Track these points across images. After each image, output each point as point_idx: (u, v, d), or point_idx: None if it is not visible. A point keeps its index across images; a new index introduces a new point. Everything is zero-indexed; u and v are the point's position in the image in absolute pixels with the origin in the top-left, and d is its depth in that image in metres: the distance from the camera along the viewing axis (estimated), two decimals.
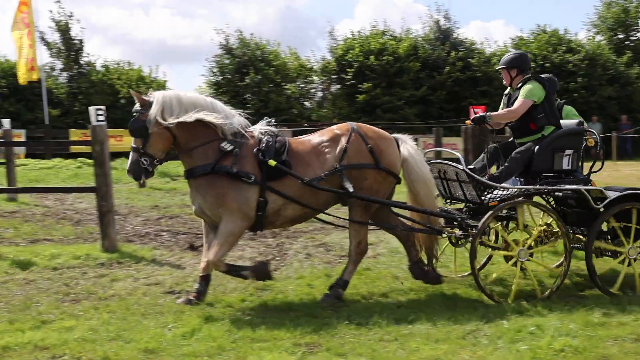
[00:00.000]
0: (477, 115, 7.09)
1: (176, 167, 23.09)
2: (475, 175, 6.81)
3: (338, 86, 34.18)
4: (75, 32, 32.66)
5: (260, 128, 6.75)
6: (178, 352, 5.01)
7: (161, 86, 33.97)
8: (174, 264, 8.10)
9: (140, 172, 6.45)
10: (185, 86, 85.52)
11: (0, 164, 16.50)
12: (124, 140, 26.71)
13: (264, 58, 33.44)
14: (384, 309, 6.22)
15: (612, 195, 6.79)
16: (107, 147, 8.68)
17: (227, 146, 6.36)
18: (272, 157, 6.37)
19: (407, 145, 6.88)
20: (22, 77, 25.41)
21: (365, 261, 8.13)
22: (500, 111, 7.31)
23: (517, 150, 7.10)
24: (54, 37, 32.50)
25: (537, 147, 6.98)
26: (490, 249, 7.26)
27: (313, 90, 35.65)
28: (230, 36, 34.44)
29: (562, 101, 8.98)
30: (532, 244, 6.82)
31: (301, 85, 34.60)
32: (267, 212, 6.41)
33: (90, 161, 23.01)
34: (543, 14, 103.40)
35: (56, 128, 28.96)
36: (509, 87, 7.38)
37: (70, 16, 32.45)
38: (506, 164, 7.03)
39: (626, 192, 6.86)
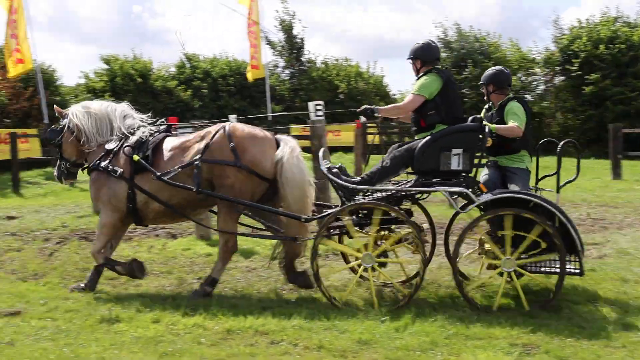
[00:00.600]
0: (363, 107, 6.65)
1: None
2: (331, 176, 6.41)
3: (562, 78, 32.62)
4: (297, 30, 34.09)
5: (147, 127, 7.15)
6: (391, 345, 5.01)
7: (379, 81, 34.46)
8: None
9: (61, 175, 7.31)
10: (401, 81, 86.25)
11: None
12: (342, 135, 27.42)
13: (483, 51, 32.76)
14: (610, 313, 5.81)
15: (483, 198, 6.08)
16: (325, 141, 8.90)
17: (110, 145, 6.95)
18: (136, 153, 6.70)
19: (287, 147, 6.60)
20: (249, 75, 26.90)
21: (589, 261, 7.69)
22: (388, 106, 6.84)
23: (398, 148, 6.50)
24: (278, 36, 34.12)
25: (419, 145, 6.28)
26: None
27: (535, 83, 34.32)
28: (449, 29, 34.16)
29: (510, 96, 7.15)
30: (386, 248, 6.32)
31: (522, 78, 33.45)
32: (137, 205, 6.74)
33: (309, 155, 23.99)
34: None
35: (278, 124, 30.42)
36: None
37: (293, 15, 33.92)
38: (383, 164, 6.43)
39: (498, 195, 6.07)
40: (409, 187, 6.35)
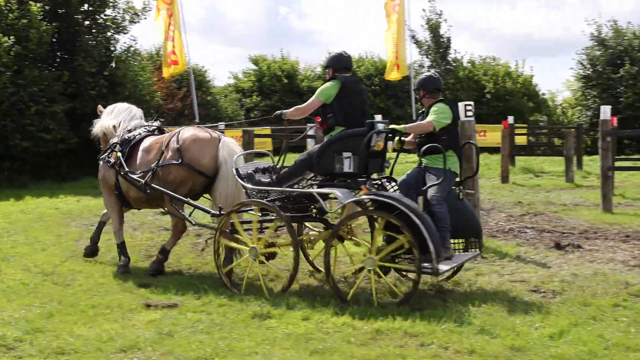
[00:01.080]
0: (274, 114, 7.27)
1: (540, 163, 22.64)
2: (239, 179, 6.96)
3: None
4: (443, 29, 33.74)
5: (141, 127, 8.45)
6: (546, 353, 4.84)
7: (527, 81, 33.50)
8: (539, 262, 7.88)
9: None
10: (549, 80, 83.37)
11: None
12: (487, 136, 26.87)
13: None
14: None
15: (340, 198, 6.34)
16: (475, 142, 8.75)
17: (113, 140, 8.39)
18: (121, 150, 8.05)
19: (226, 148, 7.53)
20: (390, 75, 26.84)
21: None
22: (292, 108, 7.26)
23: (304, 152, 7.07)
24: (424, 35, 33.92)
25: (316, 148, 6.81)
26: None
27: None
28: (603, 26, 32.65)
29: (439, 99, 6.92)
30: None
31: None
32: (122, 191, 8.13)
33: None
34: None
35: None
36: None
37: (440, 14, 33.60)
38: (290, 166, 6.98)
39: (348, 200, 6.32)
40: (299, 189, 6.85)
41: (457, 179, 7.07)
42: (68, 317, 5.88)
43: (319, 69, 34.06)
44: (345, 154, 6.59)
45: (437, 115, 6.75)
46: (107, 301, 6.37)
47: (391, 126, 6.70)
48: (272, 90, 31.43)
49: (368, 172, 6.71)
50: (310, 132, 26.79)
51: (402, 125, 6.82)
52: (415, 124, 6.97)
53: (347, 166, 6.61)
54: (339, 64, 7.14)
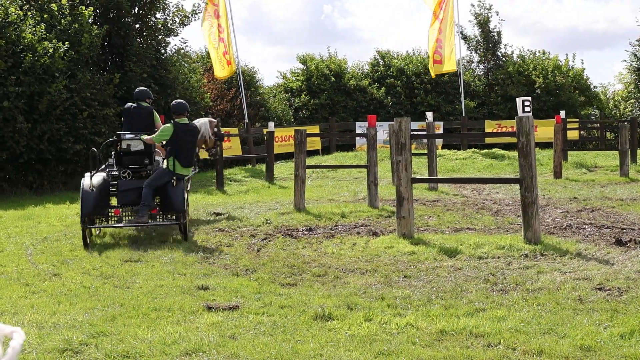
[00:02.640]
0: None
1: (592, 157, 22.22)
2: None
3: None
4: (493, 24, 33.33)
5: None
6: (618, 353, 4.73)
7: (579, 75, 32.89)
8: (601, 259, 7.73)
9: None
10: (599, 73, 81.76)
11: (422, 155, 17.59)
12: (539, 131, 26.50)
13: None
14: None
15: None
16: (533, 138, 8.62)
17: None
18: None
19: None
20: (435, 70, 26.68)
21: None
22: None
23: None
24: (473, 30, 33.57)
25: None
26: None
27: None
28: None
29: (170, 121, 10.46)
30: None
31: None
32: None
33: (503, 152, 23.39)
34: None
35: (472, 119, 29.97)
36: None
37: (490, 8, 33.18)
38: None
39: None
40: None
41: (183, 174, 10.19)
42: (131, 320, 5.92)
43: (366, 67, 33.96)
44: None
45: (157, 134, 10.13)
46: (168, 303, 6.39)
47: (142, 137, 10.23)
48: (321, 89, 31.44)
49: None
50: (359, 131, 26.86)
51: (143, 137, 10.21)
52: (148, 137, 10.20)
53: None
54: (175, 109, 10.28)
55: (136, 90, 11.44)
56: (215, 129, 12.63)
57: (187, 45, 23.39)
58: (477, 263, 7.71)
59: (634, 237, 8.96)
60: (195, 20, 22.25)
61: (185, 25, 21.98)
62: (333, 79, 31.61)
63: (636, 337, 5.04)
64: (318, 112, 31.38)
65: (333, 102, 31.55)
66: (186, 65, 22.82)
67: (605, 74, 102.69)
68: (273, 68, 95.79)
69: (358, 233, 9.96)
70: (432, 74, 27.39)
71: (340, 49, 46.93)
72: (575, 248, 8.33)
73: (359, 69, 33.84)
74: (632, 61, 32.28)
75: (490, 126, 27.38)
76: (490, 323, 5.43)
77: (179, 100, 10.59)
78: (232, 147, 23.53)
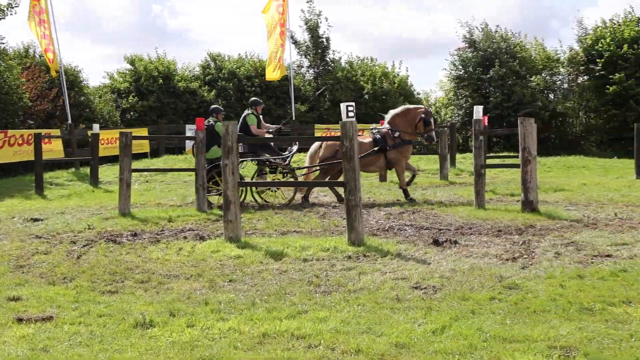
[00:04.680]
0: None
1: (415, 161, 23.25)
2: None
3: (586, 77, 32.42)
4: (322, 30, 34.09)
5: None
6: (429, 349, 4.95)
7: (404, 82, 34.38)
8: (419, 259, 8.08)
9: None
10: (422, 80, 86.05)
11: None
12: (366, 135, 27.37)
13: (509, 50, 32.60)
14: None
15: None
16: (356, 142, 8.87)
17: None
18: None
19: None
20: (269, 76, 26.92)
21: (620, 262, 7.68)
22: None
23: None
24: (304, 36, 34.15)
25: None
26: None
27: (558, 82, 34.12)
28: (475, 29, 34.01)
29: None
30: None
31: (546, 77, 33.25)
32: None
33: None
34: None
35: (303, 123, 30.48)
36: None
37: (319, 14, 33.90)
38: None
39: None
40: None
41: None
42: None
43: (197, 69, 33.62)
44: None
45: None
46: None
47: None
48: (150, 90, 30.75)
49: None
50: (189, 134, 26.50)
51: None
52: None
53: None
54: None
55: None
56: None
57: (2, 41, 21.93)
58: (302, 265, 7.82)
59: (450, 237, 9.45)
60: (11, 14, 20.98)
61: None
62: (162, 80, 31.05)
63: (447, 332, 5.30)
64: (147, 114, 30.68)
65: (162, 104, 30.96)
66: (2, 63, 21.46)
67: (428, 82, 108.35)
68: (101, 68, 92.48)
69: (185, 237, 9.80)
70: (272, 78, 27.50)
71: (171, 50, 46.46)
72: (396, 249, 8.66)
73: (190, 71, 33.48)
74: (452, 70, 34.22)
75: (319, 130, 27.97)
76: (312, 324, 5.51)
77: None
78: (53, 149, 22.44)
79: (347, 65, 34.21)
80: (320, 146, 14.88)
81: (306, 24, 33.75)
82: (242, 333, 5.39)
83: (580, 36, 32.84)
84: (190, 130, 27.16)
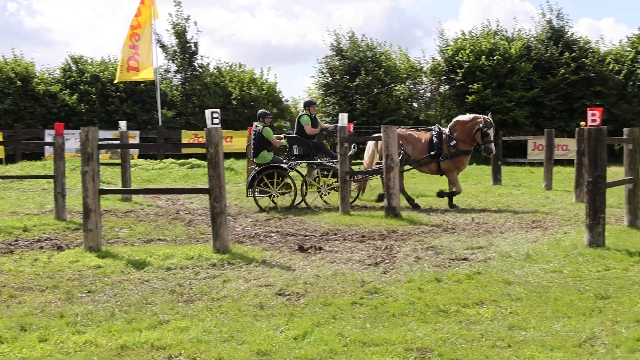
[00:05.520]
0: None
1: None
2: None
3: (447, 87, 33.77)
4: (190, 34, 33.65)
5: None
6: (290, 355, 4.98)
7: (272, 88, 34.49)
8: (284, 266, 8.12)
9: None
10: (291, 87, 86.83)
11: (117, 165, 17.14)
12: (234, 142, 27.25)
13: (375, 59, 33.42)
14: (496, 315, 6.03)
15: None
16: (222, 149, 8.80)
17: None
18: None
19: None
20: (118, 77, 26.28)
21: (475, 265, 8.00)
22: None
23: None
24: (171, 40, 33.58)
25: None
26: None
27: (422, 91, 35.36)
28: (342, 37, 34.63)
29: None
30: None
31: (410, 86, 34.37)
32: None
33: (200, 162, 23.70)
34: None
35: (170, 129, 29.92)
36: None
37: (187, 19, 33.45)
38: None
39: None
40: None
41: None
42: None
43: (58, 72, 32.33)
44: None
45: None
46: None
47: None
48: (5, 93, 29.26)
49: None
50: (48, 139, 25.37)
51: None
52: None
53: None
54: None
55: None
56: None
57: None
58: (165, 274, 7.67)
59: (315, 243, 9.57)
60: None
61: None
62: (19, 83, 29.63)
63: (308, 338, 5.35)
64: (2, 118, 29.17)
65: (19, 107, 29.53)
66: None
67: (297, 88, 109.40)
68: None
69: (41, 248, 9.37)
70: (120, 79, 26.79)
71: (28, 51, 44.19)
72: (261, 256, 8.66)
73: (49, 74, 32.14)
74: (320, 77, 34.70)
75: (186, 136, 27.57)
76: (173, 334, 5.41)
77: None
78: None
79: (215, 70, 33.97)
80: (377, 146, 14.91)
81: (174, 28, 33.26)
82: (99, 346, 5.21)
83: (442, 47, 34.19)
84: (49, 135, 26.04)
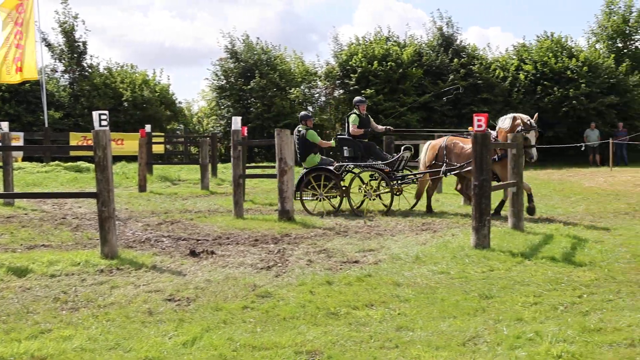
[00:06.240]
0: None
1: (177, 171, 23.08)
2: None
3: (341, 91, 34.17)
4: (79, 33, 32.63)
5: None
6: None
7: (165, 90, 33.92)
8: (174, 271, 7.99)
9: None
10: (185, 89, 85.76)
11: None
12: (126, 144, 26.67)
13: (269, 62, 33.42)
14: (385, 316, 6.13)
15: None
16: (110, 152, 8.57)
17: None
18: None
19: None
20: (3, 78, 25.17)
21: (366, 267, 8.12)
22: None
23: None
24: (57, 38, 32.47)
25: None
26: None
27: (316, 95, 35.65)
28: (237, 40, 34.46)
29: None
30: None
31: (305, 90, 34.56)
32: None
33: (88, 165, 23.02)
34: (541, 23, 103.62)
35: (57, 131, 28.90)
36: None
37: (76, 17, 32.41)
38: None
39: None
40: None
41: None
42: None
43: None
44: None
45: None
46: None
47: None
48: None
49: None
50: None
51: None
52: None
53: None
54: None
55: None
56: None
57: None
58: (49, 281, 7.38)
59: (207, 247, 9.47)
60: None
61: None
62: None
63: (197, 343, 5.28)
64: None
65: None
66: None
67: (192, 91, 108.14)
68: None
69: None
70: (10, 81, 25.66)
71: None
72: (152, 261, 8.49)
73: None
74: (214, 79, 34.41)
75: (75, 138, 26.71)
76: (55, 344, 5.22)
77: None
78: None
79: (105, 71, 33.11)
80: (429, 148, 14.38)
81: (61, 26, 32.17)
82: None
83: (336, 51, 34.55)
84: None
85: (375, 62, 32.07)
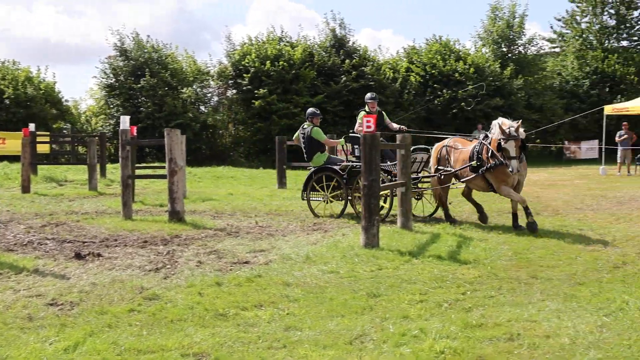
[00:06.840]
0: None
1: (64, 171, 22.34)
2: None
3: (234, 91, 34.03)
4: None
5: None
6: None
7: (50, 88, 32.79)
8: (58, 274, 7.72)
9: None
10: (73, 87, 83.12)
11: None
12: (8, 144, 25.63)
13: (160, 61, 32.86)
14: (274, 316, 6.16)
15: None
16: None
17: None
18: None
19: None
20: None
21: (256, 268, 8.12)
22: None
23: None
24: None
25: None
26: None
27: (209, 95, 35.34)
28: (126, 37, 33.70)
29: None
30: None
31: (197, 90, 34.20)
32: None
33: None
34: (430, 26, 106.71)
35: None
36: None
37: None
38: None
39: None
40: None
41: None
42: None
43: None
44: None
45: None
46: None
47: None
48: None
49: None
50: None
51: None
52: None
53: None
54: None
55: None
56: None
57: None
58: None
59: (94, 250, 9.21)
60: None
61: None
62: None
63: (80, 349, 5.14)
64: None
65: None
66: None
67: (79, 89, 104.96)
68: None
69: None
70: None
71: None
72: (33, 264, 8.18)
73: None
74: (103, 78, 33.54)
75: None
76: None
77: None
78: None
79: None
80: (433, 150, 13.10)
81: None
82: None
83: (229, 51, 34.40)
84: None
85: (268, 62, 32.13)
